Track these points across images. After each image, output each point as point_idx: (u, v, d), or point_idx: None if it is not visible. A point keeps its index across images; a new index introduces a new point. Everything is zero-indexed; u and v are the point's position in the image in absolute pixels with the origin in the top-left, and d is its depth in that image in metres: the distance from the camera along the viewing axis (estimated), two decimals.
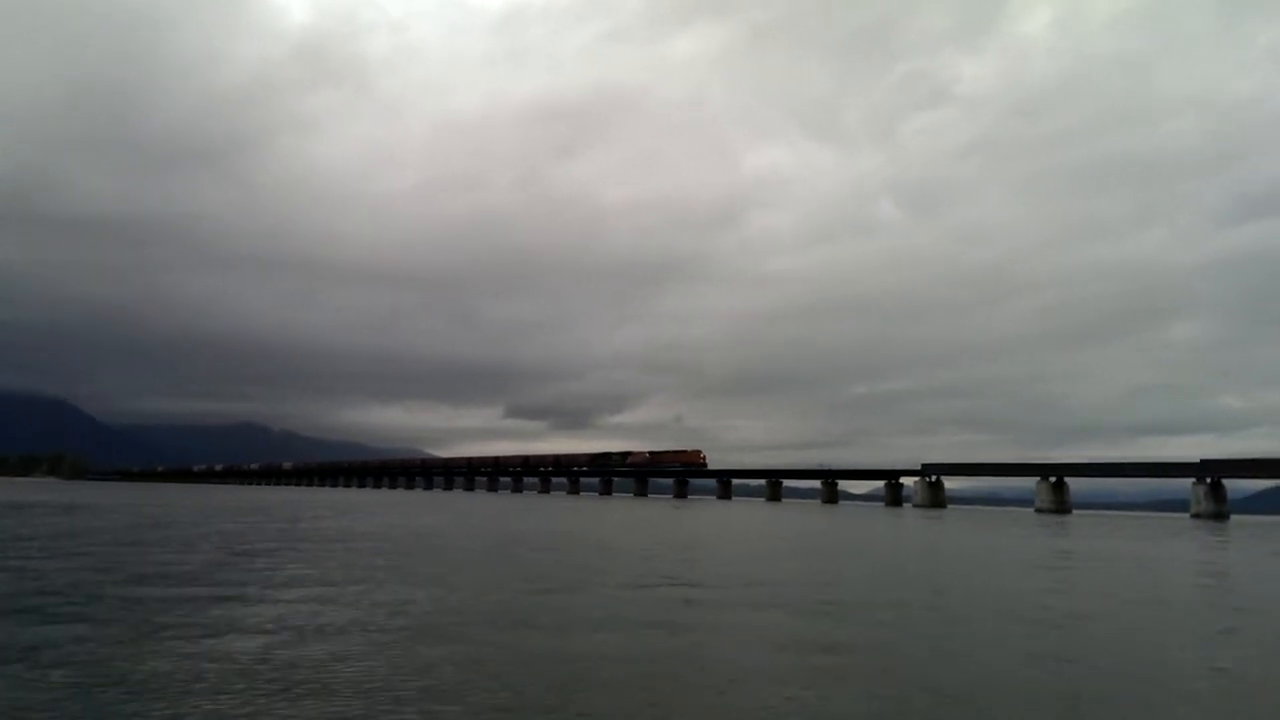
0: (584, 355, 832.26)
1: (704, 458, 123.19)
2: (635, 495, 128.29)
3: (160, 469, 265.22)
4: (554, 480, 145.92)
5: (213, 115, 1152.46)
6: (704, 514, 60.41)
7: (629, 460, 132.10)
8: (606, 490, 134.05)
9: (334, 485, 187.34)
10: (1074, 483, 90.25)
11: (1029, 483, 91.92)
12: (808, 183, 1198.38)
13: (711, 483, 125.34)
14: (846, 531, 40.87)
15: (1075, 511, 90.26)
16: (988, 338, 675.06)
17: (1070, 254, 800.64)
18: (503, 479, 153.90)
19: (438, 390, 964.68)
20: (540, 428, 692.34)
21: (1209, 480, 78.67)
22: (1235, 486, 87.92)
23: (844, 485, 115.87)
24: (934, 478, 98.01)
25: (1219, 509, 78.24)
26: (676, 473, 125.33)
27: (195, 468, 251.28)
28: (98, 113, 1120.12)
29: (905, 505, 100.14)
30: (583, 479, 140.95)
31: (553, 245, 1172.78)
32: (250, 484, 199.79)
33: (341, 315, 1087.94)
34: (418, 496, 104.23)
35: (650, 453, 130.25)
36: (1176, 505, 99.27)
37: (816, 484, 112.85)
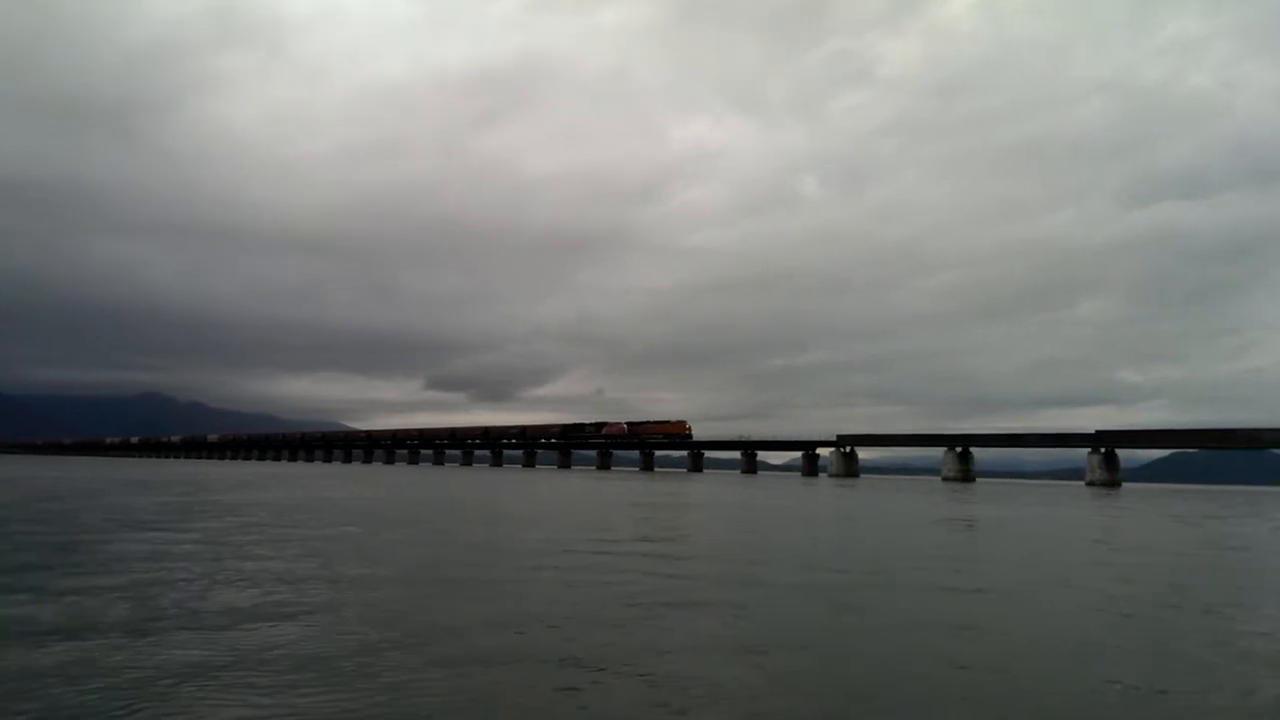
0: (506, 327, 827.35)
1: (689, 429, 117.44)
2: (559, 467, 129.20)
3: (68, 441, 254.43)
4: (477, 454, 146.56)
5: (119, 74, 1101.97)
6: (625, 485, 61.19)
7: (604, 431, 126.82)
8: (530, 462, 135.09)
9: (256, 459, 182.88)
10: (979, 452, 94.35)
11: (938, 452, 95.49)
12: (732, 158, 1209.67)
13: (634, 454, 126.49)
14: (765, 500, 42.13)
15: (980, 479, 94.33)
16: (902, 313, 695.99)
17: (983, 233, 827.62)
18: (424, 451, 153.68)
19: (353, 361, 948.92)
20: (461, 400, 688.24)
21: (1103, 450, 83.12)
22: (1130, 456, 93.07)
23: (763, 456, 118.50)
24: (848, 448, 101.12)
25: (1112, 477, 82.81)
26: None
27: (108, 440, 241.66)
28: None
29: (821, 475, 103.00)
30: (506, 451, 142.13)
31: (475, 216, 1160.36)
32: (170, 457, 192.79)
33: (252, 284, 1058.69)
34: (352, 469, 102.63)
35: (629, 424, 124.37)
36: (1075, 474, 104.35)
37: (736, 455, 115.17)
